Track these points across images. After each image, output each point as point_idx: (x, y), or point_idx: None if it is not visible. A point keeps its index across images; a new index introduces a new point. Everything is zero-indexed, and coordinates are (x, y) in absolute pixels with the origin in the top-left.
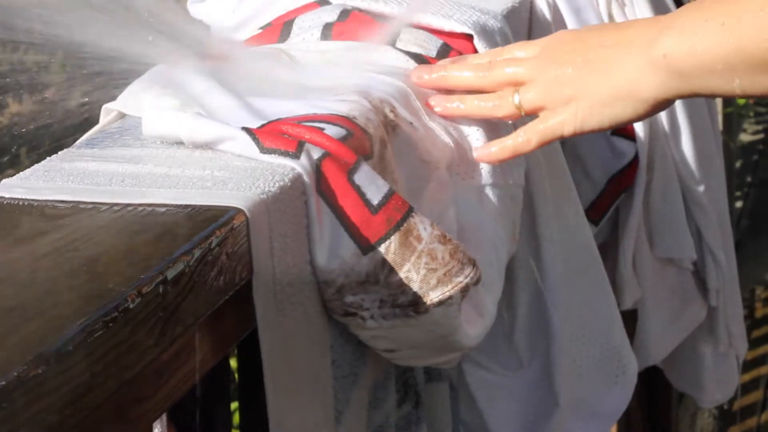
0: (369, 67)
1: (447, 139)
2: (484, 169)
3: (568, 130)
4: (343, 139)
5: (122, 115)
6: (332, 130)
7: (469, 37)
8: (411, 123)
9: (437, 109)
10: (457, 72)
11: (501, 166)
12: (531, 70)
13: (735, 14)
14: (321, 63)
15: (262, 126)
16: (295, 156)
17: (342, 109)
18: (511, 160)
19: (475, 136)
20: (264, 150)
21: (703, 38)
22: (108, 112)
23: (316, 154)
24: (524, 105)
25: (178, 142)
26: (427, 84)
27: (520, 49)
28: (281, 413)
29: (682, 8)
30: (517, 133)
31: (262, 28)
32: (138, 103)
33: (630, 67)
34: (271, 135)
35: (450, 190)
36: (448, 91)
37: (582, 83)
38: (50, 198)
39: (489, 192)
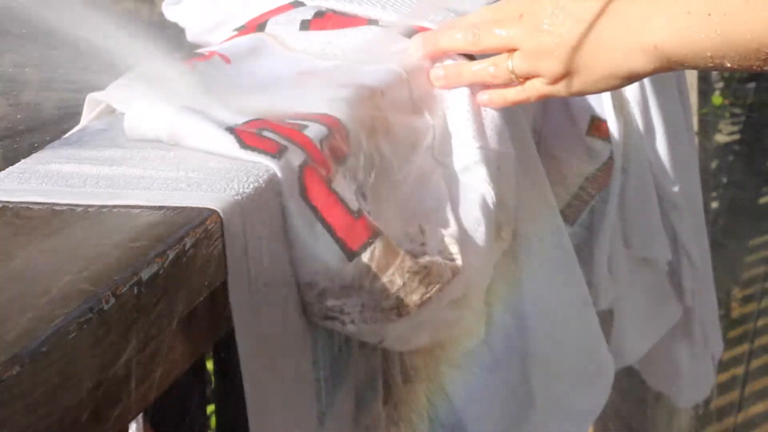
0: (360, 53)
1: (431, 121)
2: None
3: (563, 94)
4: (324, 139)
5: (108, 110)
6: (314, 130)
7: None
8: (402, 107)
9: (437, 83)
10: (448, 35)
11: (484, 135)
12: (519, 36)
13: (719, 5)
14: (311, 52)
15: (246, 123)
16: (276, 157)
17: (324, 104)
18: (493, 129)
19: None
20: (245, 146)
21: (691, 30)
22: (93, 102)
23: (298, 159)
24: (517, 72)
25: (158, 138)
26: (425, 54)
27: (506, 4)
28: (262, 415)
29: None
30: (518, 88)
31: (236, 29)
32: (125, 95)
33: (622, 52)
34: (252, 135)
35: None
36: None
37: (574, 62)
38: (25, 200)
39: (474, 154)
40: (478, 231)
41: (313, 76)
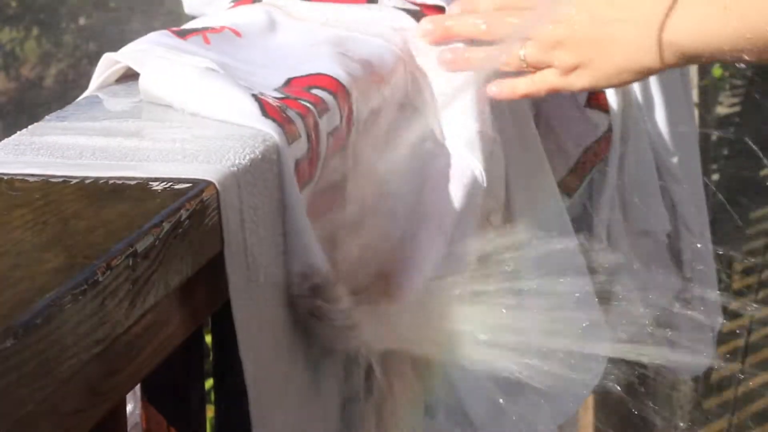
0: (369, 29)
1: (421, 115)
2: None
3: (576, 88)
4: (335, 131)
5: (111, 80)
6: (328, 117)
7: (441, 10)
8: (395, 99)
9: (444, 66)
10: (460, 21)
11: (484, 119)
12: (532, 25)
13: None
14: (318, 24)
15: (270, 94)
16: (287, 139)
17: (341, 73)
18: (490, 114)
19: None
20: (266, 114)
21: (707, 24)
22: (108, 63)
23: (300, 151)
24: (529, 61)
25: (172, 101)
26: (434, 38)
27: None
28: (260, 388)
29: None
30: (530, 79)
31: (233, 0)
32: (142, 57)
33: (636, 47)
34: (274, 108)
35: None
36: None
37: (588, 56)
38: (20, 171)
39: (474, 137)
40: (466, 211)
41: (324, 44)
